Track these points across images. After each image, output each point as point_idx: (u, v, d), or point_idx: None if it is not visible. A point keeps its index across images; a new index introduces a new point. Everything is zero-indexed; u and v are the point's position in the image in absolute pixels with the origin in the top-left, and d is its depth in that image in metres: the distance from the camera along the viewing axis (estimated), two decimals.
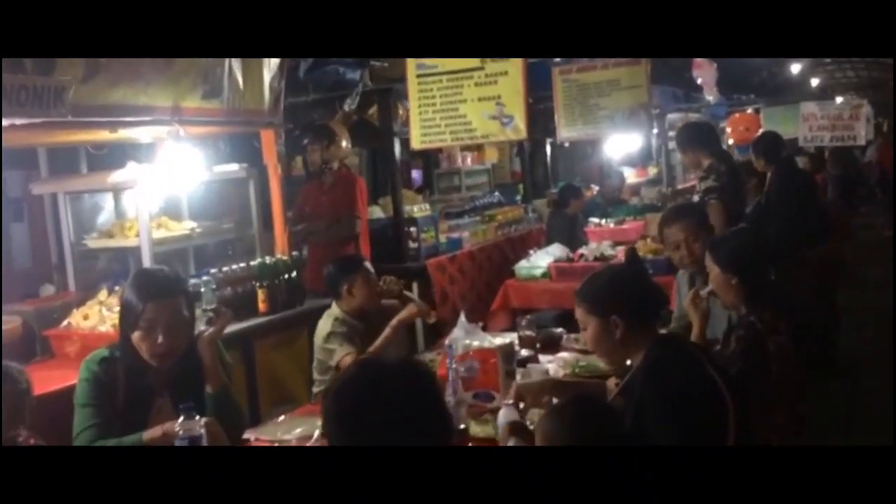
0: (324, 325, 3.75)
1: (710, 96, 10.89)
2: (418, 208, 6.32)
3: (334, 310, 3.82)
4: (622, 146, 11.26)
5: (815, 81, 27.51)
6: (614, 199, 8.67)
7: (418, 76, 4.21)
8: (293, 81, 5.25)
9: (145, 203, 3.74)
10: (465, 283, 6.68)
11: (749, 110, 14.41)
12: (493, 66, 3.97)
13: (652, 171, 12.08)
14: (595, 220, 6.49)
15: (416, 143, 4.26)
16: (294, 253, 4.60)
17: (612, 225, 6.28)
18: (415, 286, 6.14)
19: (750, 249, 2.97)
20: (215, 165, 4.59)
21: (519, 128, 3.93)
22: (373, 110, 6.04)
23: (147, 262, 3.73)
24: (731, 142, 11.89)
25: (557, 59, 6.38)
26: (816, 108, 10.40)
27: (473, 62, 4.01)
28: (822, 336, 5.89)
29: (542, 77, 6.37)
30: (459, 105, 4.08)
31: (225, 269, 4.10)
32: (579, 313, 2.49)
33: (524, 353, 3.59)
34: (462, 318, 3.16)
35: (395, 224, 6.18)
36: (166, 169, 3.78)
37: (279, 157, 4.44)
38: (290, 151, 5.80)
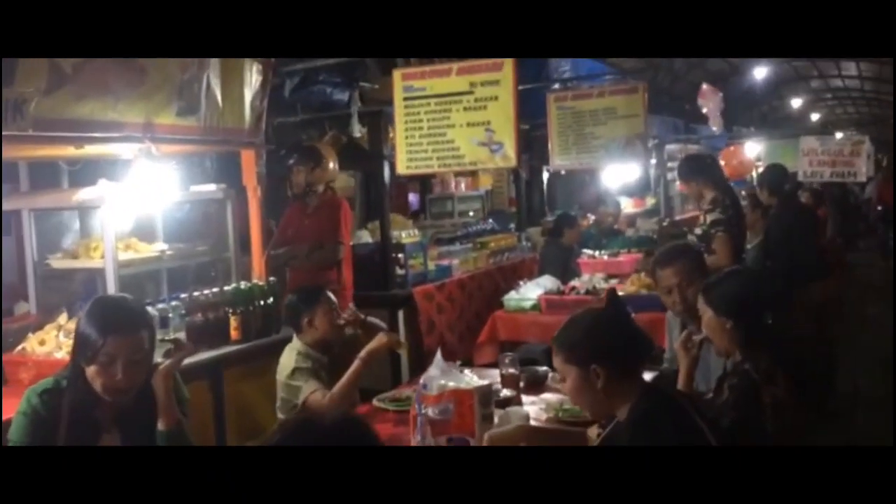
0: (287, 361, 3.54)
1: (716, 126, 10.76)
2: (406, 234, 6.13)
3: (296, 343, 3.61)
4: (620, 175, 11.12)
5: (815, 116, 27.52)
6: (610, 229, 8.51)
7: (405, 99, 4.04)
8: (278, 101, 5.09)
9: (111, 223, 3.55)
10: (453, 313, 6.50)
11: (748, 143, 14.38)
12: (482, 90, 3.79)
13: (650, 201, 11.93)
14: (588, 251, 6.30)
15: (402, 169, 4.08)
16: (271, 278, 4.41)
17: (605, 257, 6.09)
18: (400, 315, 5.97)
19: (746, 291, 2.78)
20: (194, 185, 4.43)
21: (508, 155, 3.75)
22: (363, 133, 5.87)
23: (111, 285, 3.54)
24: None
25: (556, 86, 6.26)
26: (817, 143, 10.29)
27: (462, 86, 3.85)
28: (819, 377, 5.71)
29: (539, 103, 6.23)
30: (447, 130, 3.90)
31: (196, 293, 3.91)
32: (557, 362, 2.30)
33: (506, 392, 3.40)
34: (438, 355, 2.96)
35: (382, 250, 5.99)
36: (136, 188, 3.60)
37: (259, 178, 4.26)
38: (280, 173, 5.63)
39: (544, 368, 3.71)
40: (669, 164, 10.80)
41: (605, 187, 11.17)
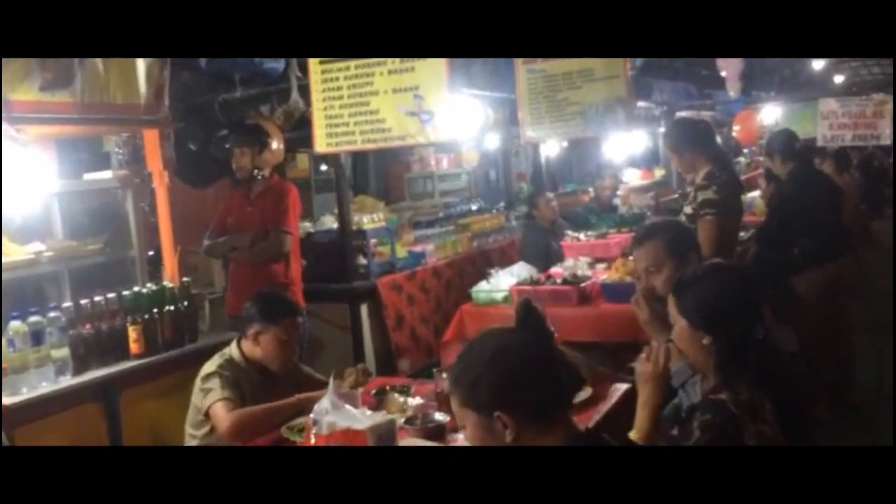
0: (210, 364, 3.05)
1: (733, 91, 9.95)
2: (369, 219, 5.49)
3: (233, 349, 3.11)
4: (624, 145, 10.40)
5: (838, 79, 26.53)
6: (608, 204, 7.83)
7: (321, 63, 3.38)
8: (195, 72, 4.47)
9: None
10: (427, 304, 5.87)
11: (765, 108, 13.60)
12: None
13: (659, 173, 11.19)
14: (570, 232, 5.61)
15: (321, 146, 3.43)
16: (185, 279, 3.81)
17: (592, 238, 5.40)
18: (363, 309, 5.36)
19: (730, 297, 2.12)
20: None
21: (440, 126, 3.10)
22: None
23: None
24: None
25: None
26: (837, 105, 9.61)
27: None
28: (835, 368, 5.05)
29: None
30: (370, 98, 3.25)
31: (84, 301, 3.31)
32: (453, 404, 1.73)
33: (439, 416, 2.79)
34: (331, 383, 2.35)
35: (341, 238, 5.36)
36: None
37: (166, 161, 3.64)
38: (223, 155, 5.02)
39: None
40: None
41: (607, 159, 10.51)
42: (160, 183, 3.73)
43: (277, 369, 3.03)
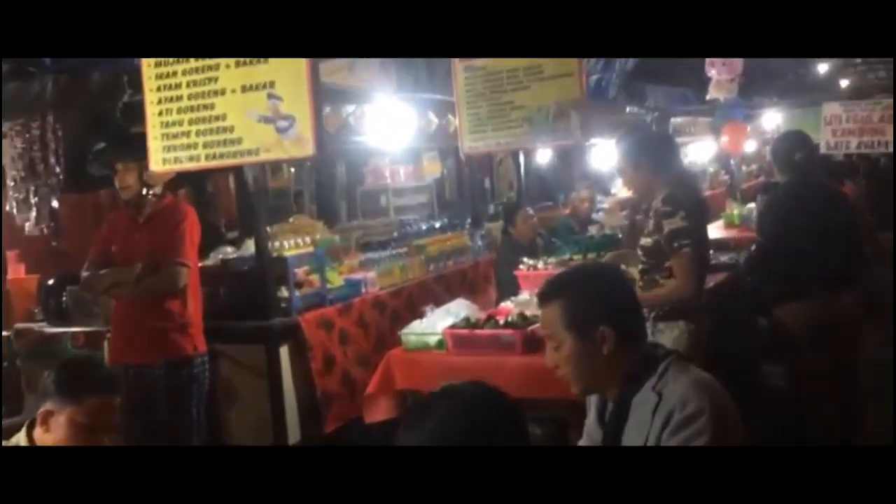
0: None
1: (721, 94, 9.17)
2: (292, 243, 4.69)
3: (20, 436, 2.34)
4: (611, 153, 9.67)
5: (844, 83, 25.78)
6: (587, 219, 7.05)
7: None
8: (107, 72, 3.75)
9: None
10: (366, 342, 5.04)
11: (766, 113, 13.01)
12: None
13: None
14: (527, 259, 4.79)
15: (156, 163, 2.62)
16: (5, 333, 3.03)
17: (552, 266, 4.58)
18: (283, 352, 4.56)
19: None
20: None
21: (303, 136, 2.29)
22: None
23: None
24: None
25: None
26: (841, 110, 8.98)
27: None
28: (838, 411, 4.28)
29: None
30: (215, 100, 2.45)
31: None
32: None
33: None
34: None
35: (258, 268, 4.57)
36: None
37: None
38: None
39: None
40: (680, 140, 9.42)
41: (593, 168, 9.80)
42: None
43: None
